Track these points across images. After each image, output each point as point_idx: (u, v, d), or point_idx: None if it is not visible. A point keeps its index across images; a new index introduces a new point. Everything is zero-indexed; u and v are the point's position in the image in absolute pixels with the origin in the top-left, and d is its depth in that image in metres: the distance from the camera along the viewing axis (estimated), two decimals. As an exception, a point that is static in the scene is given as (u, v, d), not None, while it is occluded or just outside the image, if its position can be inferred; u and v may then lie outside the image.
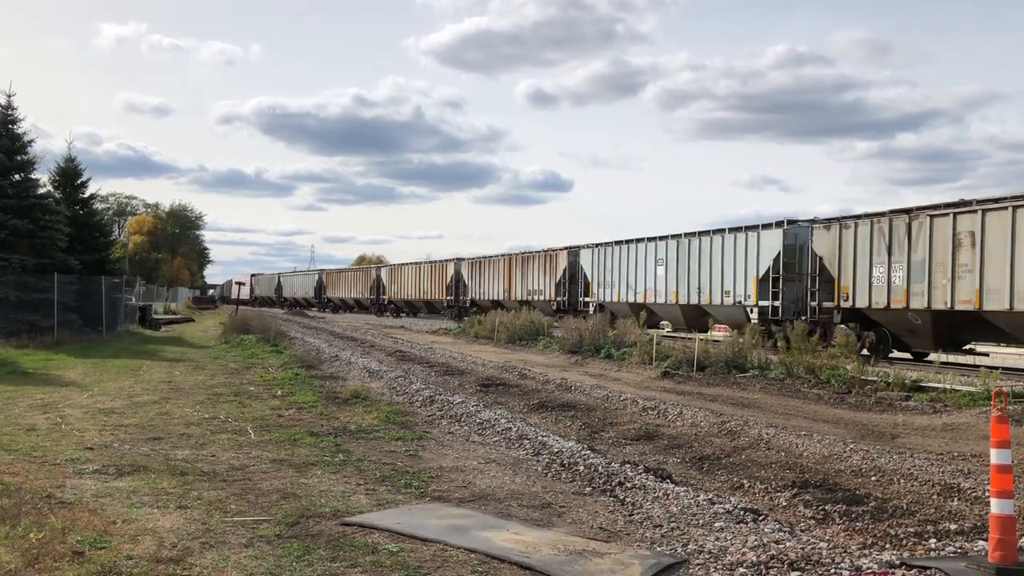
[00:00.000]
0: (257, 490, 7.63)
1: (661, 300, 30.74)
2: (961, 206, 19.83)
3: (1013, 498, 5.80)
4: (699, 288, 28.59)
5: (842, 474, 9.26)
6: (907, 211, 21.20)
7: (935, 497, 8.26)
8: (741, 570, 5.77)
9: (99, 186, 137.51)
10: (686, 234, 29.17)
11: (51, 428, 10.72)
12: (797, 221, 26.27)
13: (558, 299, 40.47)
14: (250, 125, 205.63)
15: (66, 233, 29.23)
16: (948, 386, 15.61)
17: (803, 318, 24.07)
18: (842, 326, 22.76)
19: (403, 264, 68.84)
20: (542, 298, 42.24)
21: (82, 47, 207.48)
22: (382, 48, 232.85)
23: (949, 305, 19.83)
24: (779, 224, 26.41)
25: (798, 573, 5.69)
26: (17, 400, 13.40)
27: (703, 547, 6.29)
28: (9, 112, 28.54)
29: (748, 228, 27.17)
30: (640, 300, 32.13)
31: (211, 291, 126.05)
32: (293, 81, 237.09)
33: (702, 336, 24.35)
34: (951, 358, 21.36)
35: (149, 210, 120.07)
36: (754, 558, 5.96)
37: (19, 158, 28.24)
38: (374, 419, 12.04)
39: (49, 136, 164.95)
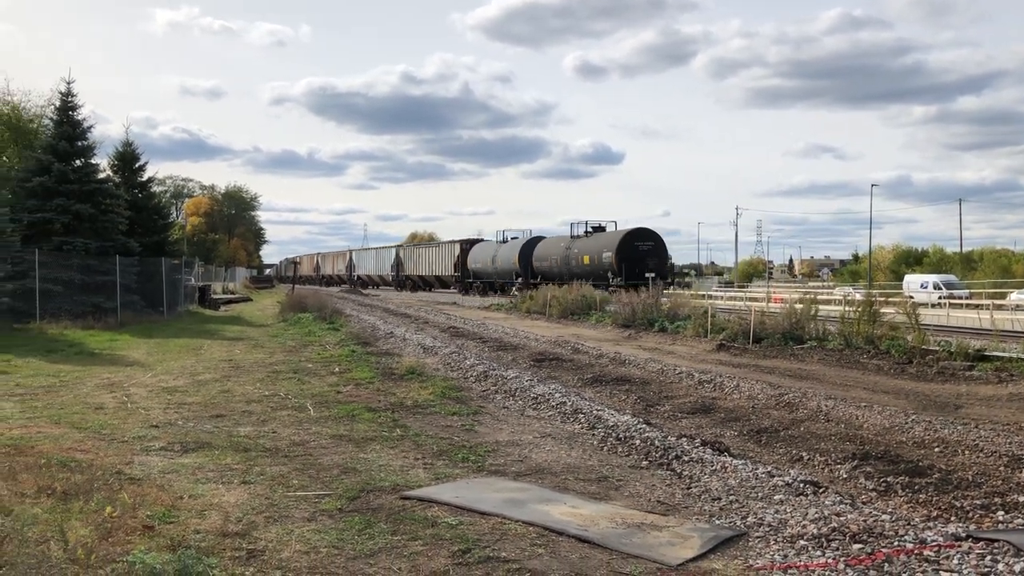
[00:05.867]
0: (318, 465, 7.77)
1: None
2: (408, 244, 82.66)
3: (1085, 469, 5.65)
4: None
5: (904, 445, 9.11)
6: (401, 245, 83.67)
7: (1002, 469, 8.08)
8: (802, 542, 5.72)
9: (156, 169, 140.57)
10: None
11: (118, 407, 11.03)
12: (399, 245, 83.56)
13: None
14: (300, 106, 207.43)
15: (126, 216, 29.89)
16: (1015, 355, 15.22)
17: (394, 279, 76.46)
18: (408, 280, 73.31)
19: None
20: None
21: (136, 33, 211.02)
22: (429, 24, 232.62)
23: (408, 274, 73.53)
24: (395, 245, 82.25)
25: (860, 545, 5.63)
26: (85, 380, 13.82)
27: (763, 520, 6.25)
28: (69, 99, 29.19)
29: (387, 246, 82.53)
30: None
31: (268, 270, 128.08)
32: (342, 60, 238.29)
33: (756, 307, 24.27)
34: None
35: (205, 192, 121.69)
36: (815, 530, 5.90)
37: (80, 144, 28.90)
38: (430, 394, 12.12)
39: (107, 121, 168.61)
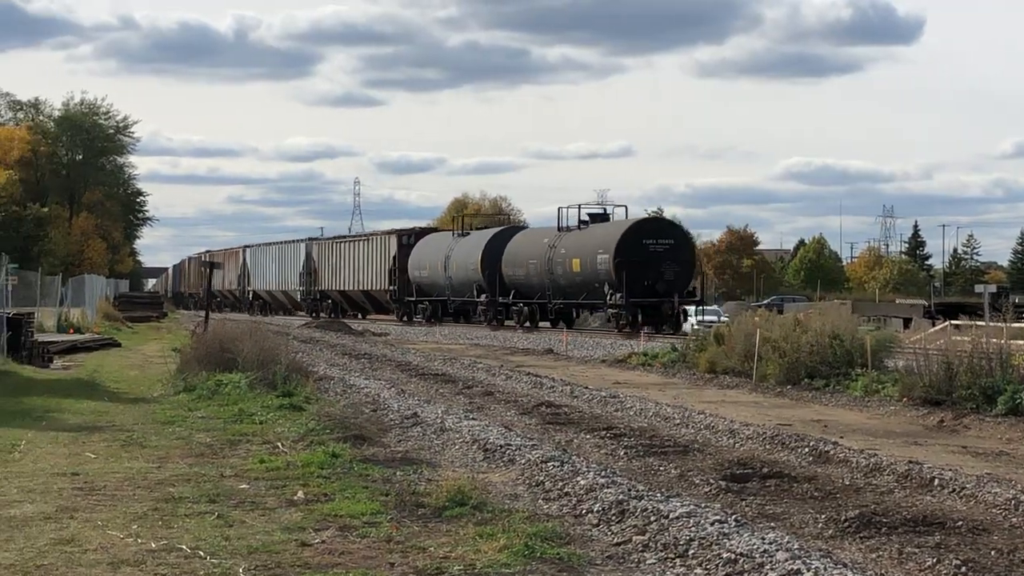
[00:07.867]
0: None
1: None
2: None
3: None
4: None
5: None
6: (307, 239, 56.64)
7: None
8: None
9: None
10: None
11: None
12: (313, 239, 56.59)
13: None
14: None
15: None
16: None
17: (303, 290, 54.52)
18: (326, 298, 54.28)
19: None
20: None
21: None
22: None
23: (325, 288, 52.30)
24: (306, 239, 57.08)
25: None
26: None
27: None
28: None
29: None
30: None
31: (152, 283, 78.76)
32: None
33: None
34: None
35: (19, 116, 67.21)
36: None
37: None
38: (500, 551, 6.48)
39: None
